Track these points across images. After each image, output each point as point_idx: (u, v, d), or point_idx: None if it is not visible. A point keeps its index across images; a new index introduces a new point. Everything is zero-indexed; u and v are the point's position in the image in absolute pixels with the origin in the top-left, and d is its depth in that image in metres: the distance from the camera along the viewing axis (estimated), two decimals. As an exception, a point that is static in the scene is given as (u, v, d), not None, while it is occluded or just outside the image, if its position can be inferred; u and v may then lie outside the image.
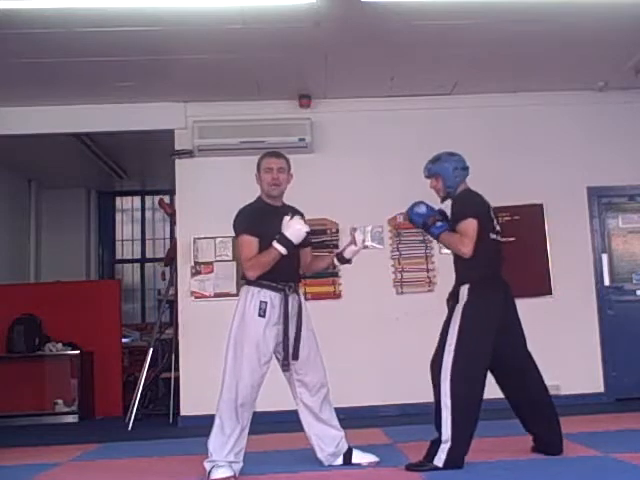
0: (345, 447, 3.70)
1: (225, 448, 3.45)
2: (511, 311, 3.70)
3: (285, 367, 3.58)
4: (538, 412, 3.69)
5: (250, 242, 3.52)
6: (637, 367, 6.13)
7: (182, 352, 6.12)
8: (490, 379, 3.63)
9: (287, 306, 3.54)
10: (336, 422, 3.71)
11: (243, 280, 3.64)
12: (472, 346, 3.50)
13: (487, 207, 3.74)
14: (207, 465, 3.48)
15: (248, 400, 3.48)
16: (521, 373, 3.69)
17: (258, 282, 3.52)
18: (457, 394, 3.44)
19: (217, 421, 3.49)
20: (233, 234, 3.67)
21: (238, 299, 3.60)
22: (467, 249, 3.58)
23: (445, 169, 3.76)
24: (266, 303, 3.50)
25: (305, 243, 3.66)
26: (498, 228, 3.76)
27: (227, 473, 3.42)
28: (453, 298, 3.67)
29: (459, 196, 3.76)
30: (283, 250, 3.48)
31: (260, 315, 3.49)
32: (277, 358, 3.63)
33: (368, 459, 3.70)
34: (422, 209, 3.78)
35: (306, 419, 3.66)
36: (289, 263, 3.57)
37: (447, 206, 3.85)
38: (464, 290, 3.61)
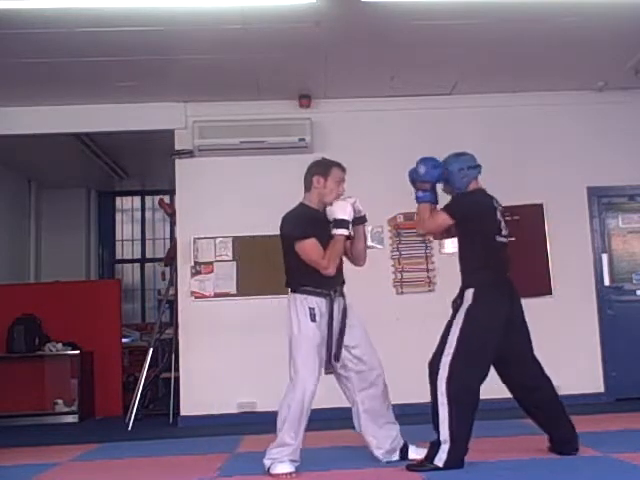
0: (401, 442, 3.75)
1: (289, 448, 3.50)
2: (517, 315, 3.67)
3: (328, 371, 3.62)
4: (549, 413, 3.67)
5: (315, 244, 3.58)
6: (637, 367, 6.13)
7: (182, 352, 6.10)
8: (491, 379, 3.63)
9: (332, 311, 3.60)
10: (392, 417, 3.76)
11: (288, 287, 3.70)
12: (472, 347, 3.50)
13: (487, 209, 3.69)
14: (267, 462, 3.53)
15: (311, 402, 3.55)
16: (528, 375, 3.67)
17: (303, 289, 3.59)
18: (454, 393, 3.44)
19: (286, 425, 3.49)
20: (282, 241, 3.69)
21: (288, 307, 3.64)
22: (419, 227, 3.89)
23: (450, 173, 3.74)
24: (314, 309, 3.57)
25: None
26: (505, 231, 3.73)
27: (289, 469, 3.49)
28: (458, 300, 3.65)
29: (458, 195, 3.76)
30: (345, 232, 3.58)
31: (312, 320, 3.56)
32: None
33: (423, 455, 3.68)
34: (421, 170, 3.74)
35: (361, 416, 3.69)
36: None
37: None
38: (469, 294, 3.59)
